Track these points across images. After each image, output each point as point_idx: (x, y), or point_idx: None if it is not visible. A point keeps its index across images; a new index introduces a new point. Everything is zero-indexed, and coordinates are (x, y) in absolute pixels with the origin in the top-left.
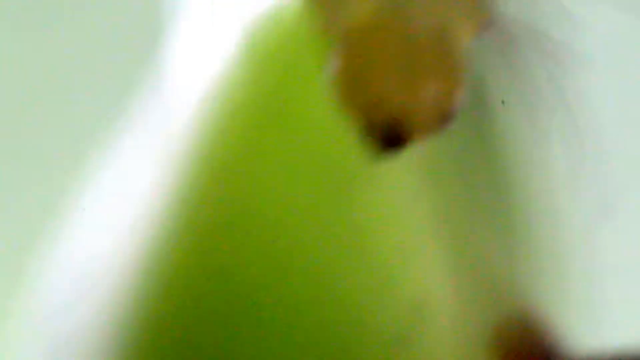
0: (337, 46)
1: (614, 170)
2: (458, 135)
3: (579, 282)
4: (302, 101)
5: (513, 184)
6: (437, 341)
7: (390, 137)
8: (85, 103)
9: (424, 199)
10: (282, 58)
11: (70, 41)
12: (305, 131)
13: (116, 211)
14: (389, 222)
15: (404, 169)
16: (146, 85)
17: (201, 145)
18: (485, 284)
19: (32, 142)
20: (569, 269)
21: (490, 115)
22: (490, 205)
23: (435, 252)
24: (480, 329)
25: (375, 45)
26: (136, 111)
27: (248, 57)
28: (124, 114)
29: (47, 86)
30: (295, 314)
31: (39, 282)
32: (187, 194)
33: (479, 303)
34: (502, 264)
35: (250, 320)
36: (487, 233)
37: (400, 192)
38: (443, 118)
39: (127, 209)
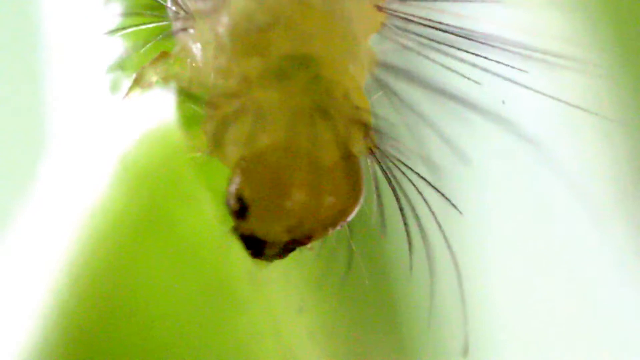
0: (238, 169)
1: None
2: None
3: None
4: (184, 213)
5: (395, 291)
6: None
7: (282, 252)
8: None
9: (309, 311)
10: (160, 174)
11: None
12: (188, 242)
13: None
14: (276, 332)
15: (282, 274)
16: (28, 200)
17: (82, 254)
18: None
19: None
20: None
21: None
22: (372, 313)
23: (320, 352)
24: None
25: (278, 169)
26: (18, 227)
27: (127, 173)
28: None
29: None
30: None
31: None
32: (66, 301)
33: None
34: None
35: None
36: (371, 340)
37: (285, 304)
38: (333, 227)
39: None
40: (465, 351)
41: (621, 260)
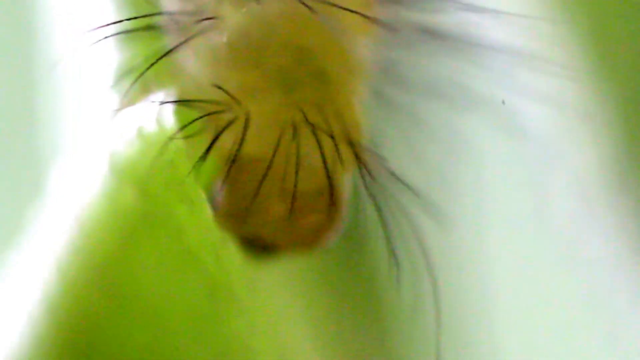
0: (222, 173)
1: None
2: (329, 250)
3: None
4: (183, 215)
5: (379, 286)
6: None
7: (265, 253)
8: None
9: (299, 305)
10: (159, 177)
11: None
12: (186, 244)
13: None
14: (269, 330)
15: (278, 277)
16: (35, 201)
17: (79, 256)
18: None
19: None
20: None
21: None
22: (359, 304)
23: (314, 356)
24: None
25: (264, 177)
26: (27, 224)
27: (125, 175)
28: (19, 229)
29: None
30: None
31: None
32: (62, 303)
33: None
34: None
35: None
36: (359, 330)
37: (283, 306)
38: (315, 243)
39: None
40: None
41: (616, 252)
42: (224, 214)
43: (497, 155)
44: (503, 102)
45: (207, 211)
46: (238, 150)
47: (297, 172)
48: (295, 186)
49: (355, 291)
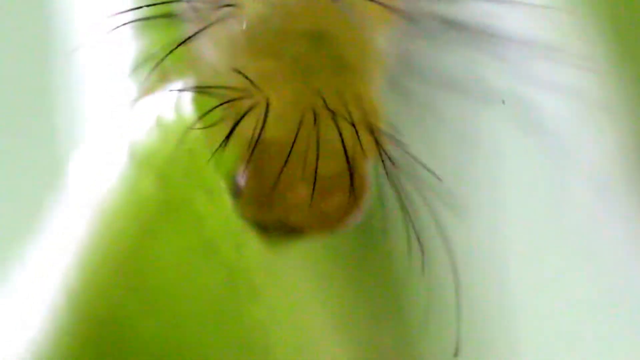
0: (245, 159)
1: None
2: (348, 239)
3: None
4: (202, 205)
5: (397, 277)
6: None
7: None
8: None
9: (319, 298)
10: (179, 166)
11: None
12: (205, 233)
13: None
14: (289, 319)
15: (299, 266)
16: (54, 191)
17: (97, 245)
18: None
19: None
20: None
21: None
22: (379, 292)
23: (334, 345)
24: None
25: (273, 164)
26: (47, 214)
27: (144, 165)
28: (38, 218)
29: None
30: None
31: None
32: (85, 288)
33: None
34: (396, 351)
35: None
36: (378, 319)
37: (297, 291)
38: (338, 225)
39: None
40: (457, 351)
41: (636, 245)
42: (247, 199)
43: (514, 147)
44: (503, 102)
45: (227, 200)
46: (259, 134)
47: (318, 156)
48: (317, 169)
49: (376, 280)
